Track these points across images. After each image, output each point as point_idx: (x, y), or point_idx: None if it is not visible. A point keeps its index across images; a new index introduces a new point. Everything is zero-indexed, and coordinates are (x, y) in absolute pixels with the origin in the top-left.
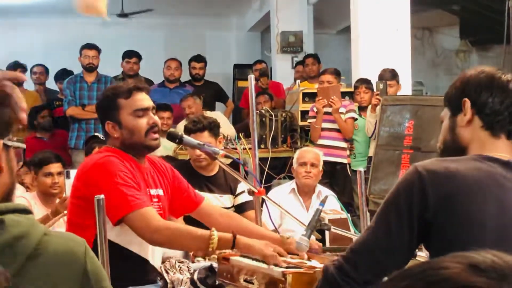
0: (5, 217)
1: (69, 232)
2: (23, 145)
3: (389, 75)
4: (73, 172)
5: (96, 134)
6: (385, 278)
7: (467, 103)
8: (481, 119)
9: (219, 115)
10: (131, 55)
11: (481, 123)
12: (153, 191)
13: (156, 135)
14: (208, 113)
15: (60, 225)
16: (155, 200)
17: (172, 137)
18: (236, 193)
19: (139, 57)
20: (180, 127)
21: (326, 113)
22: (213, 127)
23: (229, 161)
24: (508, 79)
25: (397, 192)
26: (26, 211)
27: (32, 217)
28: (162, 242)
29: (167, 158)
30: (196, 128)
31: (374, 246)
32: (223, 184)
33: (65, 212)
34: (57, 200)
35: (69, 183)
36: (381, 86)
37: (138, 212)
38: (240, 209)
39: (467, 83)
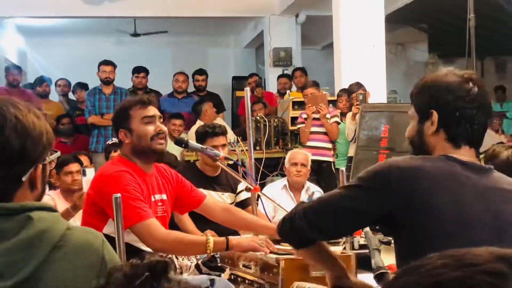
0: (33, 214)
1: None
2: (58, 153)
3: (356, 87)
4: (89, 171)
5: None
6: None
7: (435, 115)
8: (446, 132)
9: (223, 122)
10: (139, 70)
11: (445, 136)
12: (157, 196)
13: (162, 141)
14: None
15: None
16: (160, 204)
17: (180, 142)
18: (237, 191)
19: (146, 72)
20: (192, 132)
21: (314, 118)
22: (226, 132)
23: (229, 162)
24: (474, 86)
25: (368, 176)
26: (51, 209)
27: (56, 214)
28: (165, 250)
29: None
30: (215, 132)
31: (334, 202)
32: (225, 183)
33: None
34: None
35: (85, 180)
36: (360, 97)
37: (144, 223)
38: (243, 204)
39: (436, 95)
